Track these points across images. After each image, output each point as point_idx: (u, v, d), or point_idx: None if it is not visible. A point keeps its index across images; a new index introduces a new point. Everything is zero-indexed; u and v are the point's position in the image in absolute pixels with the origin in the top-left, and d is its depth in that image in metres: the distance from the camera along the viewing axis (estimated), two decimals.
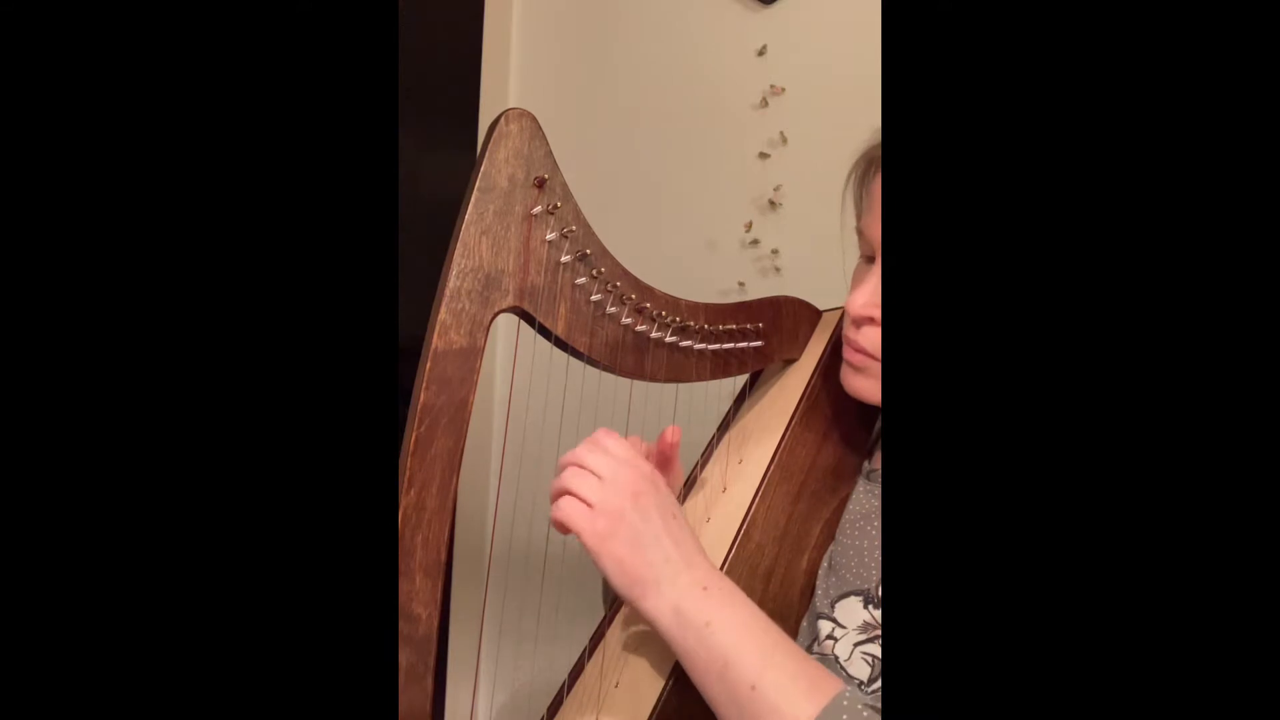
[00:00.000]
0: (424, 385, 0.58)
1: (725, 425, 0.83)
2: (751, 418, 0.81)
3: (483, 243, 0.60)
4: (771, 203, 1.21)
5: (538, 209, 0.62)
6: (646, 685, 0.65)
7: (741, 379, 0.84)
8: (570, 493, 0.60)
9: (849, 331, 0.71)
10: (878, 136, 0.73)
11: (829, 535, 0.73)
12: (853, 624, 0.65)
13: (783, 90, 1.20)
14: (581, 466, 0.61)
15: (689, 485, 0.80)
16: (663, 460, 0.73)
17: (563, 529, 0.60)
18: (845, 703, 0.52)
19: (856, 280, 0.72)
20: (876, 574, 0.66)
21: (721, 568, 0.69)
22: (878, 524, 0.69)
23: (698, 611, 0.57)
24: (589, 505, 0.59)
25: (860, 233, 0.72)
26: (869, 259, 0.71)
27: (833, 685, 0.55)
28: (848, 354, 0.71)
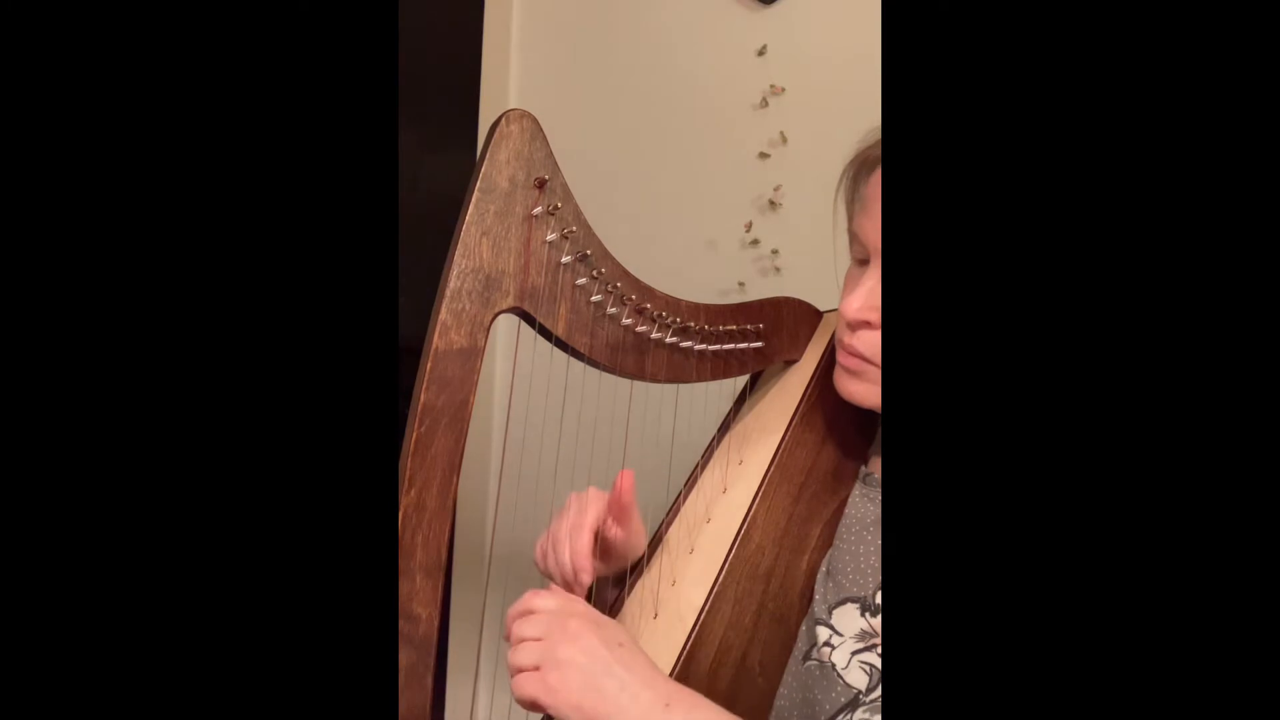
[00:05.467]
0: (424, 385, 0.58)
1: (725, 426, 0.83)
2: (752, 419, 0.81)
3: (483, 243, 0.60)
4: (771, 203, 1.21)
5: (538, 210, 0.62)
6: None
7: (742, 380, 0.84)
8: (518, 668, 0.59)
9: (843, 335, 0.70)
10: (870, 138, 0.72)
11: (828, 537, 0.73)
12: (850, 632, 0.65)
13: (783, 90, 1.20)
14: (520, 639, 0.60)
15: (689, 485, 0.80)
16: (619, 510, 0.71)
17: (530, 706, 0.59)
18: None
19: (849, 283, 0.71)
20: (874, 581, 0.66)
21: (722, 568, 0.69)
22: (875, 530, 0.69)
23: None
24: (536, 669, 0.58)
25: (853, 235, 0.72)
26: (861, 262, 0.71)
27: None
28: (842, 358, 0.71)
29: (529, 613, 0.61)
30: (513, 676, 0.59)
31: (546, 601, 0.61)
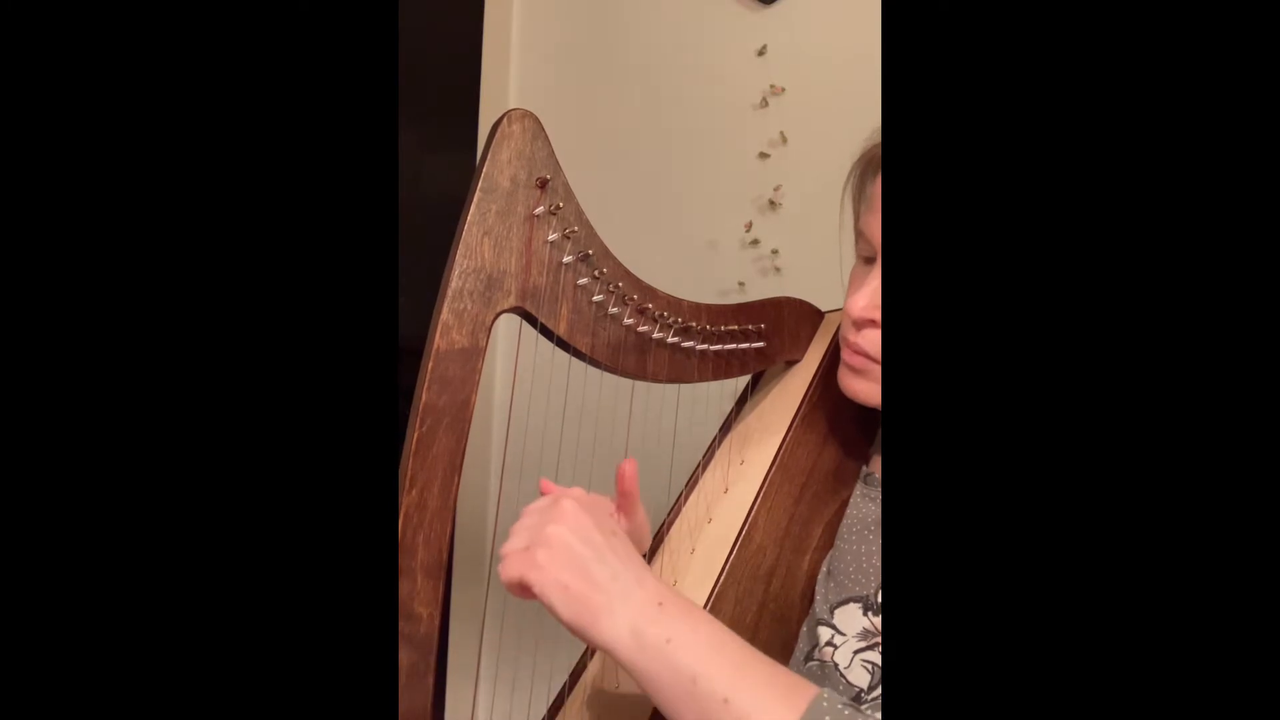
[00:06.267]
0: (426, 385, 0.58)
1: (727, 426, 0.83)
2: (753, 419, 0.81)
3: (485, 243, 0.60)
4: (771, 203, 1.21)
5: (540, 209, 0.62)
6: None
7: (743, 380, 0.84)
8: (508, 553, 0.56)
9: (848, 334, 0.70)
10: (876, 137, 0.72)
11: (830, 537, 0.73)
12: (852, 631, 0.65)
13: (783, 90, 1.20)
14: (514, 530, 0.58)
15: (690, 485, 0.80)
16: (625, 501, 0.68)
17: (515, 589, 0.55)
18: (825, 704, 0.50)
19: (855, 282, 0.71)
20: (875, 580, 0.66)
21: (723, 569, 0.69)
22: (876, 530, 0.69)
23: (656, 629, 0.52)
24: (526, 550, 0.55)
25: (860, 233, 0.72)
26: (868, 260, 0.71)
27: (808, 689, 0.52)
28: (846, 356, 0.71)
29: (522, 514, 0.59)
30: (502, 563, 0.56)
31: (540, 502, 0.59)
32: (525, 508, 0.59)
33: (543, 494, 0.61)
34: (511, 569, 0.55)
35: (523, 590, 0.55)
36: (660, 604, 0.54)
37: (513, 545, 0.56)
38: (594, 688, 0.69)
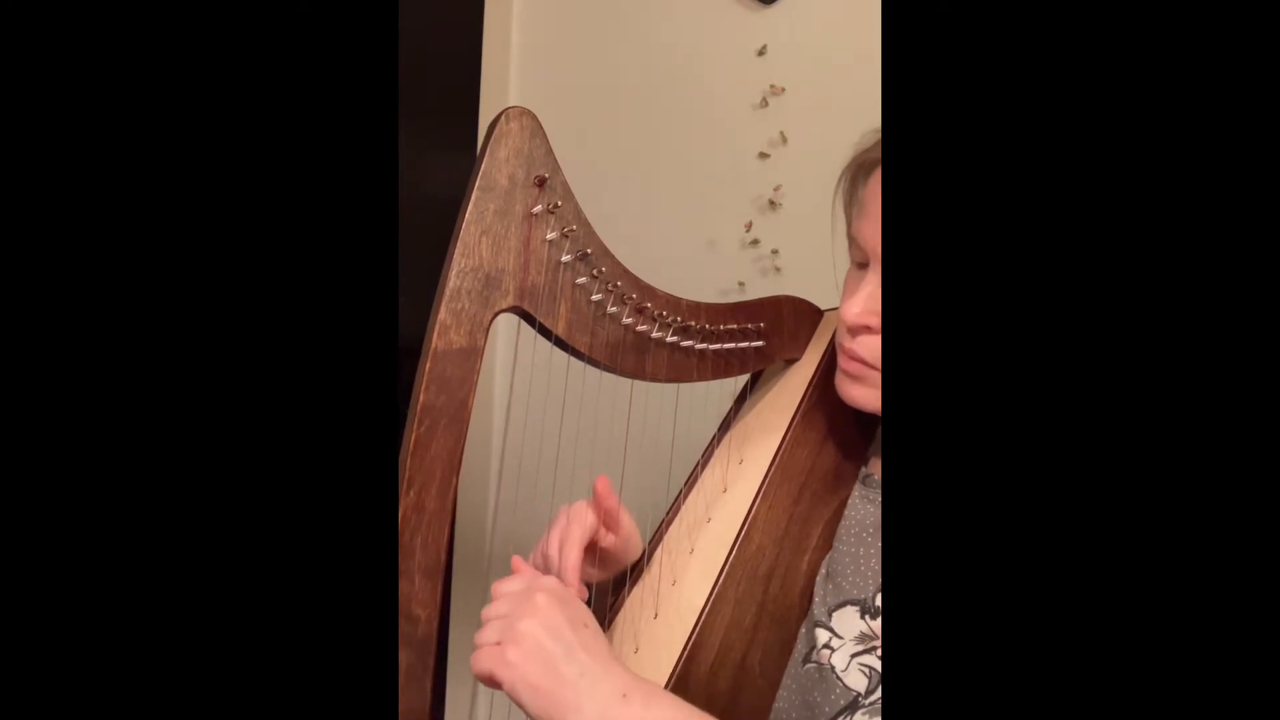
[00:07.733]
0: (424, 385, 0.58)
1: (726, 425, 0.83)
2: (752, 418, 0.81)
3: (483, 242, 0.60)
4: (771, 203, 1.21)
5: (538, 208, 0.62)
6: None
7: (742, 379, 0.84)
8: (480, 644, 0.58)
9: (844, 340, 0.70)
10: (866, 141, 0.72)
11: (828, 537, 0.72)
12: (850, 634, 0.64)
13: (783, 90, 1.20)
14: (486, 618, 0.59)
15: (689, 485, 0.80)
16: (606, 517, 0.70)
17: (487, 681, 0.58)
18: None
19: (849, 287, 0.71)
20: (874, 583, 0.66)
21: (722, 568, 0.69)
22: (875, 533, 0.68)
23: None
24: (497, 645, 0.57)
25: (852, 239, 0.71)
26: (861, 265, 0.71)
27: None
28: (843, 362, 0.70)
29: (497, 595, 0.61)
30: (474, 655, 0.58)
31: (516, 581, 0.61)
32: (496, 590, 0.61)
33: (514, 570, 0.64)
34: (483, 664, 0.57)
35: (493, 683, 0.57)
36: (624, 695, 0.56)
37: (486, 637, 0.58)
38: None
